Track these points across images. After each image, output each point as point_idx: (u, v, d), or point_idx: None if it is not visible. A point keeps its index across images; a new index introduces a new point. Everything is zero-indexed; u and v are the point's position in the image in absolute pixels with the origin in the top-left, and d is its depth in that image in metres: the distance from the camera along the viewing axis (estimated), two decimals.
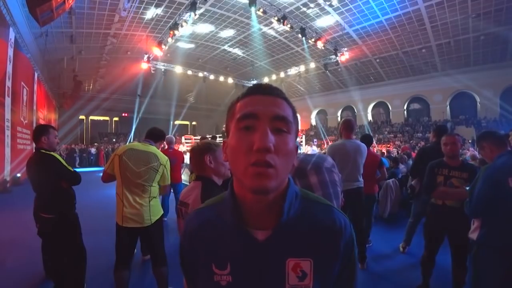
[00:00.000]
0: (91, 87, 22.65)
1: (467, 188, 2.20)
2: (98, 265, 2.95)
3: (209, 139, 5.50)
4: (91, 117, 26.09)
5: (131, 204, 2.23)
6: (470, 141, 14.47)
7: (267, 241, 0.55)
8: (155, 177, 2.30)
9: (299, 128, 0.62)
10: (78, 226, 2.52)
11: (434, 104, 19.91)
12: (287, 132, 0.54)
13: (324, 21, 14.02)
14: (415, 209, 3.73)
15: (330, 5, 12.61)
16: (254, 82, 21.75)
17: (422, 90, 20.02)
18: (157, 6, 12.45)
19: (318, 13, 13.34)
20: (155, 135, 2.54)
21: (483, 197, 1.79)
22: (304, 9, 12.98)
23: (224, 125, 0.62)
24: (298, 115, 0.64)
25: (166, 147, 5.56)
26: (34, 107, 12.53)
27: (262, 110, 0.53)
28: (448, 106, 19.50)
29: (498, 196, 1.75)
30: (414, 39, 15.07)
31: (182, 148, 12.60)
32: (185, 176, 7.26)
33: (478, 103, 18.31)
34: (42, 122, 13.62)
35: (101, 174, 2.44)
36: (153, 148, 2.38)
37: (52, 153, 2.42)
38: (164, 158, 2.38)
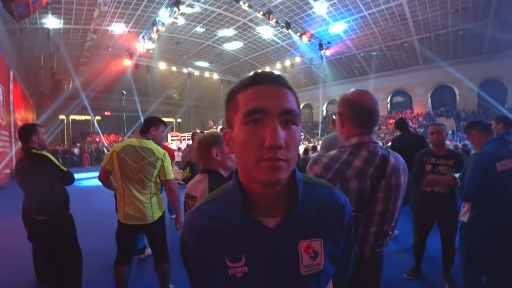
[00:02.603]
0: (71, 85, 21.84)
1: (455, 174, 2.33)
2: (94, 266, 2.88)
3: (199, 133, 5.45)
4: (72, 117, 25.23)
5: (132, 201, 2.21)
6: (450, 132, 15.02)
7: (278, 228, 0.57)
8: (153, 172, 2.26)
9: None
10: (73, 227, 2.45)
11: (416, 97, 20.53)
12: (295, 124, 0.53)
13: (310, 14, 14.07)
14: None
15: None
16: (243, 76, 21.71)
17: (405, 83, 20.58)
18: None
19: (303, 7, 13.38)
20: (143, 127, 2.46)
21: (474, 182, 1.91)
22: (289, 3, 12.99)
23: (224, 117, 0.60)
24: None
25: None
26: (11, 107, 11.97)
27: (270, 104, 0.51)
28: (429, 99, 20.14)
29: (487, 180, 1.86)
30: (396, 34, 15.43)
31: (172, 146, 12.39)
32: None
33: (457, 96, 19.02)
34: (20, 123, 13.04)
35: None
36: (149, 143, 2.33)
37: (44, 152, 2.33)
38: (161, 152, 2.32)
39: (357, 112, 1.16)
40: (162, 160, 2.29)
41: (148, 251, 3.60)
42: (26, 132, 2.33)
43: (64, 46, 14.58)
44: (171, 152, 5.32)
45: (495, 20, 12.57)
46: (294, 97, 0.56)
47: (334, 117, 1.37)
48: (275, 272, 0.56)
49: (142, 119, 24.08)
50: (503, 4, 11.42)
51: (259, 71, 0.60)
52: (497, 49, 14.70)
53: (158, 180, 2.35)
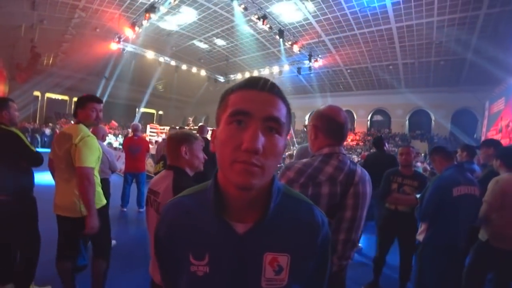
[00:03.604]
0: (50, 61, 20.81)
1: (417, 195, 2.48)
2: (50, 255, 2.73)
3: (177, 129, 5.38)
4: (48, 95, 24.00)
5: (60, 193, 2.04)
6: (423, 154, 15.77)
7: (247, 235, 0.56)
8: (72, 162, 1.97)
9: (289, 128, 0.61)
10: (35, 210, 2.31)
11: (395, 118, 21.36)
12: (278, 134, 0.53)
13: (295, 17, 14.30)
14: None
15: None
16: (230, 76, 21.63)
17: (386, 103, 21.37)
18: None
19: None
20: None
21: (431, 203, 2.05)
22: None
23: (215, 115, 0.60)
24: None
25: (131, 134, 5.34)
26: None
27: (255, 108, 0.51)
28: (407, 121, 21.04)
29: (443, 203, 2.01)
30: (383, 55, 16.05)
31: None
32: (149, 167, 7.02)
33: (432, 121, 20.03)
34: None
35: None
36: (73, 127, 2.06)
37: (13, 129, 2.20)
38: (78, 137, 1.97)
39: (331, 126, 1.25)
40: (76, 145, 1.96)
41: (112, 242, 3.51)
42: None
43: (49, 19, 13.88)
44: (146, 143, 5.21)
45: (473, 56, 13.42)
46: (285, 108, 0.56)
47: (305, 128, 1.46)
48: (235, 279, 0.56)
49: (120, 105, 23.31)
50: (481, 43, 12.23)
51: (255, 75, 0.60)
52: (473, 82, 15.64)
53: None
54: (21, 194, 2.20)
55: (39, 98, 23.30)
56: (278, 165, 0.58)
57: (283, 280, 0.57)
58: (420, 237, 2.17)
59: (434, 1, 10.82)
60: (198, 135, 1.59)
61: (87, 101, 2.12)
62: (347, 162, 1.22)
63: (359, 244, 4.06)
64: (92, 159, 2.00)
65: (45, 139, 17.10)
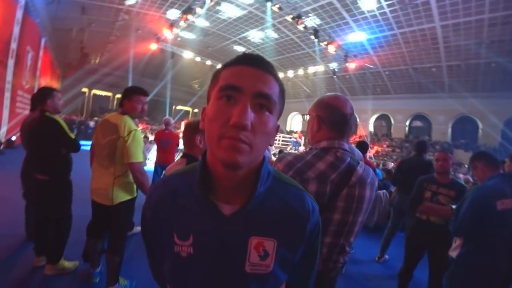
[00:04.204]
0: (97, 61, 22.50)
1: (453, 206, 2.21)
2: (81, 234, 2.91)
3: None
4: (94, 91, 25.96)
5: (97, 177, 2.12)
6: (466, 165, 14.48)
7: (233, 217, 0.54)
8: (114, 152, 2.01)
9: (282, 110, 0.59)
10: (70, 193, 2.47)
11: (437, 124, 19.90)
12: (269, 111, 0.52)
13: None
14: (392, 217, 3.81)
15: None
16: None
17: (426, 109, 19.98)
18: None
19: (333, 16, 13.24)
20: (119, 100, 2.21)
21: (468, 217, 1.79)
22: (320, 10, 12.88)
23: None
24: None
25: (164, 127, 5.54)
26: (37, 73, 12.42)
27: (246, 84, 0.50)
28: (450, 128, 19.49)
29: (484, 218, 1.75)
30: (425, 57, 15.03)
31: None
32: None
33: (480, 130, 18.30)
34: None
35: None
36: (118, 118, 2.06)
37: (56, 117, 2.38)
38: (124, 129, 1.97)
39: (335, 117, 1.14)
40: (124, 139, 1.96)
41: (136, 229, 3.65)
42: (42, 95, 2.42)
43: (97, 22, 15.01)
44: (176, 137, 5.33)
45: None
46: (278, 87, 0.55)
47: (303, 119, 1.35)
48: (219, 262, 0.54)
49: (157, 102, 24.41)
50: None
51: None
52: None
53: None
54: (59, 176, 2.38)
55: (86, 93, 25.30)
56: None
57: (268, 266, 0.55)
58: (453, 253, 1.91)
59: None
60: None
61: (133, 92, 2.13)
62: (346, 159, 1.09)
63: (386, 256, 3.80)
64: (140, 153, 2.05)
65: (89, 131, 18.46)
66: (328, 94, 1.21)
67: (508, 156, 3.08)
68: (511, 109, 15.90)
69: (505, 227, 1.72)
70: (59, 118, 2.40)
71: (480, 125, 18.15)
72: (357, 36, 14.25)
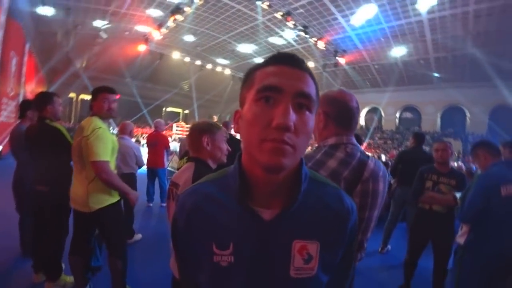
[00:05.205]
0: (83, 64, 22.01)
1: (457, 194, 2.27)
2: None
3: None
4: (82, 96, 25.41)
5: (74, 185, 2.03)
6: (456, 153, 14.81)
7: (274, 221, 0.53)
8: (82, 155, 1.93)
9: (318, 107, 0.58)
10: (69, 206, 2.33)
11: (426, 115, 20.29)
12: (309, 111, 0.50)
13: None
14: (392, 208, 3.86)
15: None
16: None
17: (416, 100, 20.37)
18: None
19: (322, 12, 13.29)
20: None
21: (475, 204, 1.84)
22: (309, 7, 12.90)
23: (239, 96, 0.57)
24: None
25: (154, 130, 5.48)
26: (22, 79, 12.07)
27: (286, 83, 0.48)
28: (439, 118, 19.90)
29: (490, 204, 1.79)
30: (413, 50, 15.23)
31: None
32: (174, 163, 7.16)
33: (467, 118, 18.77)
34: (29, 96, 13.14)
35: None
36: (87, 120, 2.01)
37: (57, 125, 2.29)
38: (88, 129, 1.91)
39: (343, 113, 1.12)
40: (87, 137, 1.89)
41: (137, 236, 3.61)
42: (41, 101, 2.30)
43: (82, 24, 14.67)
44: (163, 139, 5.27)
45: None
46: (314, 85, 0.53)
47: None
48: (262, 268, 0.52)
49: (141, 105, 24.11)
50: None
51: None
52: None
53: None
54: (58, 187, 2.24)
55: (74, 99, 24.75)
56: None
57: (312, 269, 0.54)
58: (460, 239, 1.95)
59: None
60: (221, 125, 1.53)
61: (98, 92, 2.06)
62: (356, 154, 1.07)
63: (388, 246, 3.86)
64: (106, 151, 1.92)
65: None
66: (332, 89, 1.19)
67: (501, 144, 3.15)
68: (497, 97, 16.29)
69: (510, 212, 1.77)
70: (61, 126, 2.32)
71: (468, 114, 18.63)
72: (347, 30, 14.33)
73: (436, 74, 17.14)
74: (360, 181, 1.04)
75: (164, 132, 5.72)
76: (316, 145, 1.19)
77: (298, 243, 0.53)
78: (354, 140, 1.13)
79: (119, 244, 2.12)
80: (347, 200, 0.60)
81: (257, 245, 0.52)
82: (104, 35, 16.05)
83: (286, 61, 0.52)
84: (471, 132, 18.00)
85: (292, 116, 0.46)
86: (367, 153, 1.15)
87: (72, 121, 23.66)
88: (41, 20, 12.16)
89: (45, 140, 2.22)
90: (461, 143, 16.98)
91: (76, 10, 13.30)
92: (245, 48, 18.65)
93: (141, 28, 15.21)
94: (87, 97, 25.62)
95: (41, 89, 18.49)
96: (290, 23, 12.44)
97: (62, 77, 18.26)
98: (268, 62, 0.53)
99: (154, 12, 14.04)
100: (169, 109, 30.08)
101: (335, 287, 0.63)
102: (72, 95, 24.02)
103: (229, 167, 0.61)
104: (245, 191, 0.53)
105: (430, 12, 11.81)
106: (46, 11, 12.15)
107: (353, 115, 1.13)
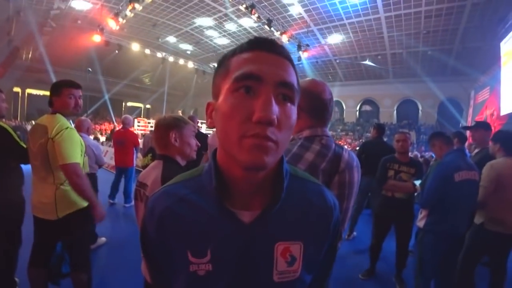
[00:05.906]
0: (30, 55, 19.93)
1: (416, 182, 2.46)
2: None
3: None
4: (29, 91, 23.11)
5: (36, 192, 1.83)
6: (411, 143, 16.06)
7: (254, 224, 0.49)
8: (48, 158, 1.75)
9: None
10: (21, 215, 2.05)
11: (384, 108, 21.62)
12: (291, 103, 0.46)
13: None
14: (358, 197, 4.06)
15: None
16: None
17: (374, 94, 21.59)
18: None
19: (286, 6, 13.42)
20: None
21: (433, 190, 2.01)
22: (273, 0, 12.95)
23: (212, 85, 0.51)
24: None
25: (120, 127, 5.19)
26: None
27: (267, 71, 0.43)
28: (395, 111, 21.34)
29: (445, 189, 1.97)
30: (372, 46, 16.07)
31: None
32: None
33: (420, 111, 20.38)
34: None
35: None
36: (49, 118, 1.82)
37: (2, 124, 2.00)
38: (53, 129, 1.73)
39: (315, 104, 1.10)
40: (53, 139, 1.71)
41: (100, 240, 3.38)
42: None
43: (26, 10, 13.21)
44: (131, 136, 5.00)
45: (460, 46, 13.61)
46: (295, 73, 0.48)
47: None
48: (243, 275, 0.49)
49: (106, 100, 22.76)
50: (468, 32, 12.41)
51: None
52: (459, 72, 15.90)
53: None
54: (7, 195, 1.97)
55: (19, 94, 22.41)
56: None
57: (296, 271, 0.51)
58: (420, 223, 2.15)
59: None
60: (188, 119, 1.45)
61: (61, 86, 1.87)
62: (331, 146, 1.07)
63: (354, 233, 4.06)
64: (76, 153, 1.75)
65: (27, 136, 16.51)
66: (305, 79, 1.14)
67: (451, 134, 3.47)
68: (445, 91, 17.94)
69: (462, 196, 1.98)
70: (6, 125, 2.02)
71: (420, 107, 20.25)
72: (310, 26, 14.65)
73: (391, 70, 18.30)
74: (337, 173, 1.03)
75: (132, 129, 5.39)
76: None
77: (280, 245, 0.50)
78: (327, 132, 1.13)
79: (84, 256, 1.94)
80: (329, 196, 0.57)
81: (237, 250, 0.48)
82: (53, 24, 14.64)
83: (264, 46, 0.46)
84: (423, 123, 19.60)
85: (275, 108, 0.42)
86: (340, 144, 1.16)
87: (19, 118, 21.46)
88: None
89: None
90: (415, 134, 18.43)
91: None
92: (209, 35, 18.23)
93: (96, 16, 14.09)
94: (35, 91, 23.40)
95: None
96: (255, 16, 12.36)
97: (3, 69, 16.38)
98: (245, 47, 0.47)
99: (115, 3, 13.12)
100: (129, 103, 28.63)
101: (316, 284, 0.61)
102: (16, 89, 21.71)
103: (203, 165, 0.55)
104: (223, 192, 0.48)
105: (386, 11, 12.51)
106: None
107: (325, 106, 1.12)
